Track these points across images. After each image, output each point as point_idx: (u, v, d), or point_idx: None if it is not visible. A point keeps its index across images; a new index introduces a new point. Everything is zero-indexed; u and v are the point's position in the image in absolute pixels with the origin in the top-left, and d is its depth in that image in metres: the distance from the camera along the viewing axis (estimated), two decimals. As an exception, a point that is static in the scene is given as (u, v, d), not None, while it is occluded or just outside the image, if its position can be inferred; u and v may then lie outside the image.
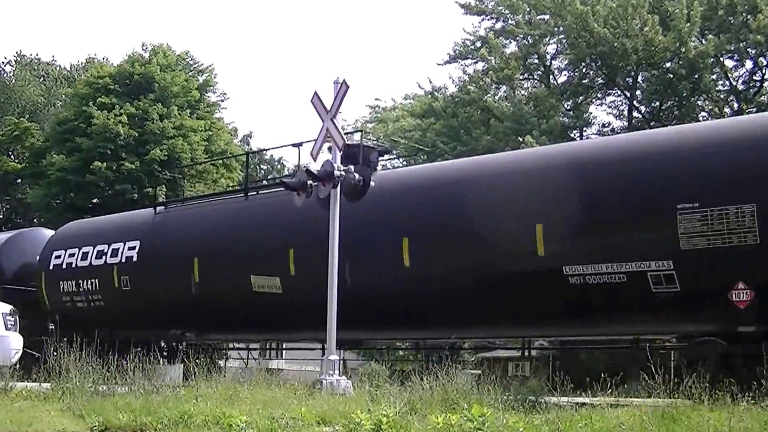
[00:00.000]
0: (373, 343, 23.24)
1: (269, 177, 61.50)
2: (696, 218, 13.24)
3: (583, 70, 36.32)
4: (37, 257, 24.55)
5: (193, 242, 20.88)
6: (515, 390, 11.73)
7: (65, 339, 16.79)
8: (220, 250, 20.01)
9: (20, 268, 25.38)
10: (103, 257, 22.45)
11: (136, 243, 21.83)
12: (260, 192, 21.11)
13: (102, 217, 27.35)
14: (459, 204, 16.14)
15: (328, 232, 15.39)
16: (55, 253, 23.76)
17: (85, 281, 22.79)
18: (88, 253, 22.92)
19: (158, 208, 23.17)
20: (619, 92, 36.80)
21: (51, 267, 23.71)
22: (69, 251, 23.46)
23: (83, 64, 58.29)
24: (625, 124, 35.81)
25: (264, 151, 60.02)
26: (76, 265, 23.03)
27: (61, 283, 23.36)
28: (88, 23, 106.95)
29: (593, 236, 14.46)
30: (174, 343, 22.77)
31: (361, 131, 26.00)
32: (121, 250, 22.08)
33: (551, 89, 36.76)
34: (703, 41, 32.16)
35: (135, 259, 21.69)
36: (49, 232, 26.43)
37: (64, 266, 23.38)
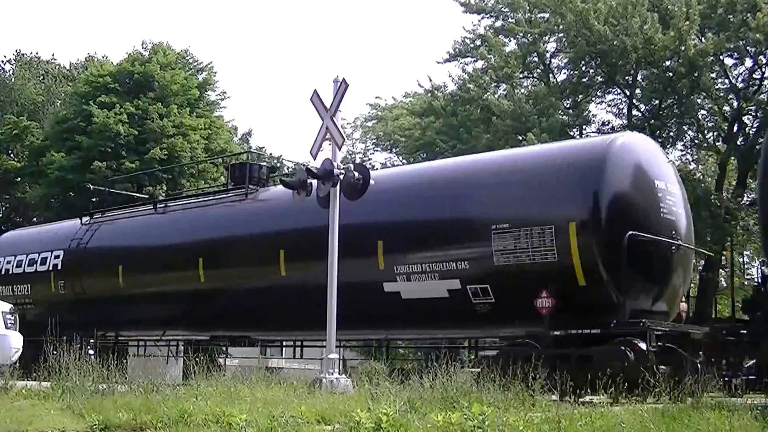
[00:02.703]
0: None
1: (270, 176, 61.46)
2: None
3: (583, 68, 36.30)
4: None
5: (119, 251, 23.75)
6: (515, 388, 11.70)
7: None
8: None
9: None
10: (35, 265, 25.09)
11: (61, 252, 24.49)
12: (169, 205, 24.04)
13: (34, 228, 31.34)
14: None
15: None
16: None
17: (19, 286, 25.59)
18: (22, 260, 25.65)
19: (84, 219, 25.24)
20: (619, 90, 36.78)
21: None
22: (7, 258, 26.38)
23: (83, 63, 58.19)
24: (625, 122, 35.80)
25: (262, 149, 59.90)
26: (12, 272, 25.91)
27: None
28: (87, 21, 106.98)
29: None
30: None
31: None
32: (50, 258, 24.72)
33: (551, 87, 36.74)
34: (703, 39, 32.12)
35: (60, 267, 24.38)
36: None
37: (2, 272, 26.21)
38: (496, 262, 15.57)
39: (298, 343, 22.22)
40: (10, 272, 25.18)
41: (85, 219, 24.76)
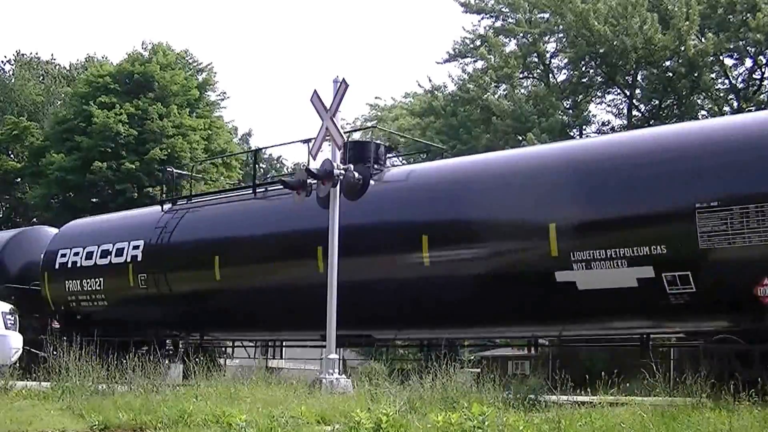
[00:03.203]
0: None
1: (269, 176, 61.51)
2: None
3: (583, 68, 36.34)
4: (41, 255, 24.38)
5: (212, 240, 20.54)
6: (515, 388, 11.72)
7: (65, 338, 16.88)
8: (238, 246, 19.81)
9: (24, 266, 25.13)
10: (109, 256, 22.07)
11: (140, 242, 21.33)
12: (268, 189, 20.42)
13: (105, 216, 27.08)
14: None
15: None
16: (61, 252, 23.49)
17: (89, 280, 22.56)
18: (92, 252, 22.58)
19: (175, 204, 22.21)
20: (619, 90, 36.81)
21: (57, 266, 23.34)
22: (74, 250, 23.15)
23: (83, 63, 58.26)
24: (625, 122, 35.82)
25: (265, 149, 59.93)
26: (81, 264, 22.72)
27: (66, 281, 23.03)
28: (87, 22, 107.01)
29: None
30: (178, 343, 22.72)
31: (371, 128, 25.71)
32: (127, 249, 21.61)
33: (551, 87, 36.77)
34: (703, 39, 32.15)
35: (140, 258, 21.13)
36: (52, 230, 26.25)
37: (69, 265, 23.06)
38: (701, 246, 13.37)
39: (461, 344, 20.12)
40: (78, 265, 22.65)
41: (166, 206, 22.17)
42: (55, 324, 23.44)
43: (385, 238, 16.94)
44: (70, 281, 22.81)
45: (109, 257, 21.97)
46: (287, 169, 65.17)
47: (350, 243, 15.99)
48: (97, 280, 22.23)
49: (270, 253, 18.92)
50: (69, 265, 22.99)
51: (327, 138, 15.85)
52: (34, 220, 47.71)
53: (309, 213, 17.60)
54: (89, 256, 22.54)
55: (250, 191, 20.54)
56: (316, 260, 17.10)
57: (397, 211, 17.13)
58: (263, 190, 20.27)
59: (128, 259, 21.25)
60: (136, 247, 21.39)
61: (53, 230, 26.27)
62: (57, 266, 23.26)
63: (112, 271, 21.78)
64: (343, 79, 15.55)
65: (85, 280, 22.49)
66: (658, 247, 13.60)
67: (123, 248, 21.64)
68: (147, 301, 20.95)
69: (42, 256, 23.94)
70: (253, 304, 19.32)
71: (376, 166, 17.72)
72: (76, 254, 22.94)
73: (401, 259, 16.47)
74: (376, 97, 63.35)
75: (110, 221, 25.15)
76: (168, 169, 26.60)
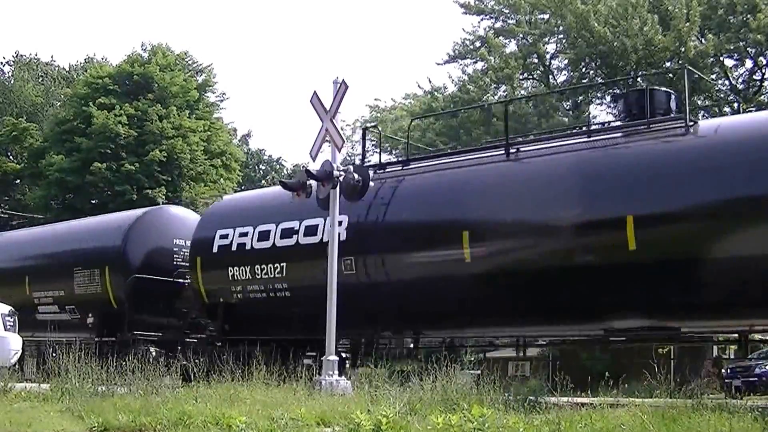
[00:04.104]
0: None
1: (268, 177, 61.56)
2: None
3: (583, 69, 36.35)
4: (173, 240, 21.36)
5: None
6: (515, 390, 11.69)
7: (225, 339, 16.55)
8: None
9: (149, 254, 21.58)
10: (295, 236, 17.86)
11: (343, 218, 16.73)
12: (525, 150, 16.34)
13: (271, 190, 23.30)
14: None
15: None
16: (219, 233, 19.29)
17: (265, 266, 18.31)
18: (269, 232, 18.37)
19: (377, 172, 17.84)
20: (619, 91, 36.79)
21: (215, 250, 19.26)
22: (239, 230, 18.97)
23: (82, 64, 58.31)
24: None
25: (262, 150, 59.92)
26: (252, 246, 18.59)
27: (229, 269, 18.89)
28: (87, 23, 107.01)
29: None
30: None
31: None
32: (322, 227, 17.19)
33: (551, 89, 36.77)
34: (703, 41, 32.16)
35: (343, 237, 16.65)
36: (178, 210, 23.75)
37: (234, 248, 18.90)
38: None
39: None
40: (248, 247, 18.53)
41: (374, 174, 17.52)
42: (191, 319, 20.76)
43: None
44: (236, 268, 18.69)
45: (295, 237, 17.76)
46: (287, 170, 65.22)
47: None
48: (277, 265, 18.00)
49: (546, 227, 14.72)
50: (234, 248, 18.84)
51: (327, 140, 15.84)
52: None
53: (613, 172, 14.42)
54: (264, 236, 18.41)
55: (501, 151, 16.34)
56: (626, 232, 13.51)
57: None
58: (515, 150, 16.21)
59: (326, 239, 16.39)
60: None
61: (180, 210, 23.93)
62: (215, 250, 19.20)
63: (301, 253, 17.65)
64: (343, 80, 15.54)
65: (258, 266, 18.30)
66: None
67: (316, 225, 17.41)
68: (352, 291, 16.14)
69: (192, 238, 20.31)
70: (513, 291, 15.18)
71: None
72: (244, 234, 18.79)
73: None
74: (376, 99, 63.41)
75: (284, 195, 19.82)
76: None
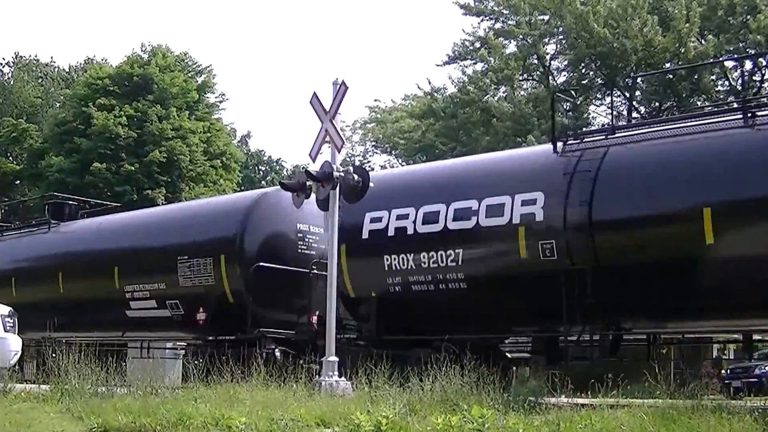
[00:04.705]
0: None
1: (267, 178, 61.57)
2: None
3: (583, 70, 36.36)
4: (297, 225, 18.77)
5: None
6: (515, 391, 11.69)
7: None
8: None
9: (270, 241, 18.85)
10: (473, 217, 15.27)
11: (537, 195, 14.66)
12: None
13: (433, 165, 21.08)
14: None
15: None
16: (370, 216, 16.70)
17: (434, 254, 15.64)
18: (437, 213, 15.77)
19: (568, 143, 15.36)
20: (619, 92, 36.82)
21: (366, 235, 16.71)
22: (396, 212, 16.34)
23: (82, 65, 58.30)
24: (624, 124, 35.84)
25: (261, 151, 59.93)
26: (415, 231, 15.98)
27: (385, 257, 16.25)
28: (86, 24, 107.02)
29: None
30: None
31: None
32: (510, 207, 14.87)
33: (551, 89, 36.79)
34: (703, 42, 32.18)
35: (540, 218, 14.53)
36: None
37: (391, 233, 16.30)
38: None
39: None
40: (411, 232, 15.97)
41: (559, 144, 15.32)
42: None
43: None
44: (394, 256, 16.09)
45: (474, 218, 15.20)
46: (286, 171, 65.23)
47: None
48: (450, 252, 15.40)
49: None
50: (391, 233, 16.28)
51: (326, 140, 15.83)
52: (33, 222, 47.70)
53: None
54: (431, 218, 15.81)
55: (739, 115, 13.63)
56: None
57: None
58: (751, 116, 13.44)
59: (516, 220, 14.64)
60: (529, 203, 14.66)
61: None
62: (366, 235, 16.69)
63: (484, 237, 15.26)
64: (343, 81, 15.53)
65: (424, 254, 15.67)
66: None
67: (501, 204, 15.00)
68: (550, 280, 14.12)
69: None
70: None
71: None
72: (403, 217, 16.22)
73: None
74: (375, 100, 63.40)
75: (455, 167, 18.12)
76: None
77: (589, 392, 12.15)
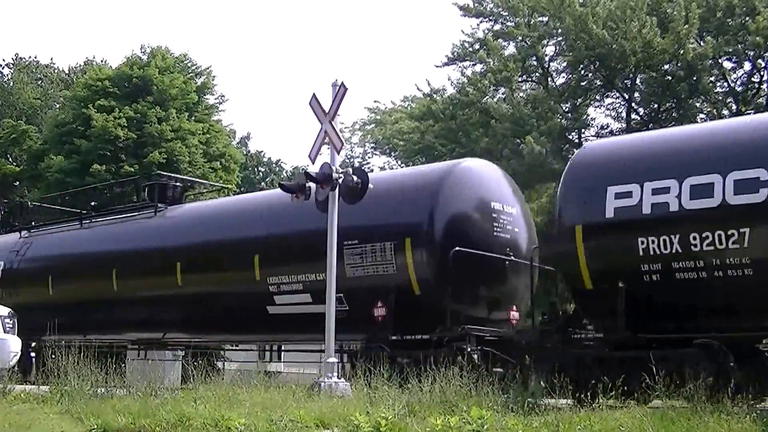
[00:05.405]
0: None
1: (267, 179, 61.55)
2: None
3: (582, 71, 36.33)
4: (491, 205, 16.71)
5: None
6: (514, 392, 11.70)
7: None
8: None
9: (465, 223, 16.45)
10: (764, 189, 12.35)
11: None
12: None
13: (709, 126, 17.85)
14: None
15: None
16: (614, 191, 13.89)
17: (709, 235, 12.75)
18: (711, 186, 12.84)
19: None
20: (618, 94, 36.81)
21: (610, 214, 13.88)
22: (651, 185, 13.48)
23: (81, 67, 58.25)
24: (624, 125, 35.83)
25: (261, 153, 59.84)
26: (680, 206, 13.13)
27: (639, 240, 13.39)
28: (86, 25, 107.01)
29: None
30: None
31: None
32: None
33: (550, 91, 36.78)
34: (702, 43, 32.18)
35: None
36: (486, 167, 17.81)
37: (647, 210, 13.50)
38: None
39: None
40: (675, 208, 13.15)
41: None
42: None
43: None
44: (652, 238, 13.26)
45: (764, 191, 12.37)
46: (286, 173, 65.23)
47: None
48: (732, 232, 12.54)
49: None
50: (646, 211, 13.50)
51: (326, 142, 15.86)
52: (32, 223, 47.68)
53: None
54: (702, 191, 12.96)
55: None
56: None
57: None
58: None
59: None
60: None
61: (488, 165, 18.05)
62: (610, 214, 13.88)
63: None
64: (342, 82, 15.56)
65: (694, 235, 12.85)
66: None
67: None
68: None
69: (561, 199, 14.88)
70: None
71: None
72: (662, 191, 13.38)
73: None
74: (375, 101, 63.38)
75: (736, 126, 14.96)
76: None
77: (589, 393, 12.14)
